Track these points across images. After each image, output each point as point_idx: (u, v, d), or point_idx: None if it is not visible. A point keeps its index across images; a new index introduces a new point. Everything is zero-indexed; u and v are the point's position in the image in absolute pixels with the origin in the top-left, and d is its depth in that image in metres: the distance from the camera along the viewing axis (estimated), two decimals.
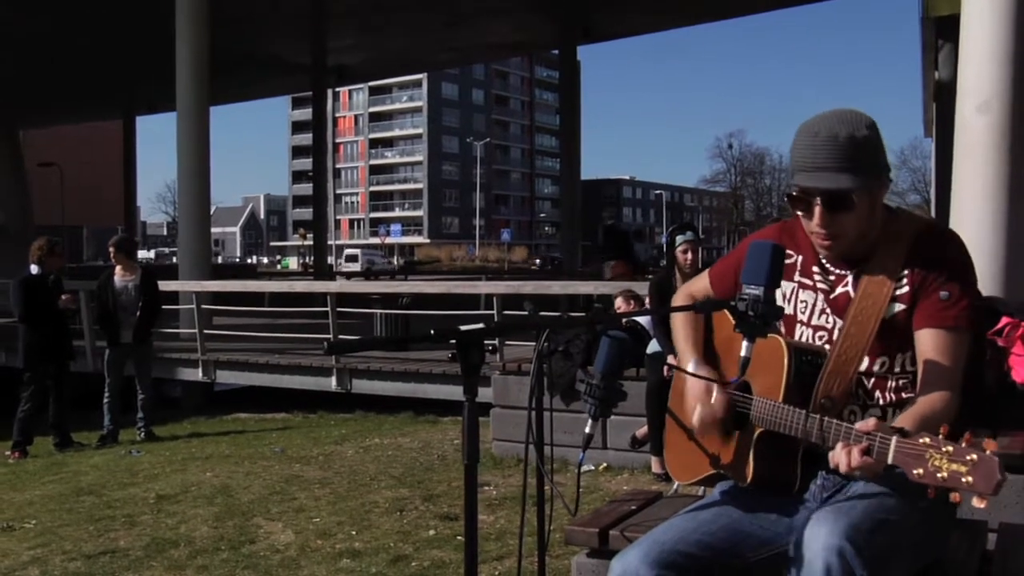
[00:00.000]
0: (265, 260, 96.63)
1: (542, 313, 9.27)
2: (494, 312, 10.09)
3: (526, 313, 9.52)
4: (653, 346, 5.74)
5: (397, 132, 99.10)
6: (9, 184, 34.55)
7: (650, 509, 2.82)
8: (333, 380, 10.66)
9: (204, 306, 12.53)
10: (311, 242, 39.14)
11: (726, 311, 2.00)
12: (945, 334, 1.93)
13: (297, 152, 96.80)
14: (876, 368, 2.02)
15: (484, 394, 5.86)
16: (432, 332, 1.85)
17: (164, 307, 9.79)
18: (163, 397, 11.62)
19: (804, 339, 2.10)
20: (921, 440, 1.64)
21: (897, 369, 2.02)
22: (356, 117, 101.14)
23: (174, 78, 15.41)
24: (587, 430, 2.72)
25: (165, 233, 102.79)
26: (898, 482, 1.77)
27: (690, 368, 2.20)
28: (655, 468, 5.82)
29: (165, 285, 10.58)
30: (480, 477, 5.69)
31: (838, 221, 1.97)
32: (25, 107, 34.86)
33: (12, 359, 10.84)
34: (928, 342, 1.94)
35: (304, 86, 36.01)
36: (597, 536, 2.66)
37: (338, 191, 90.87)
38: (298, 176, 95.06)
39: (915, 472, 1.63)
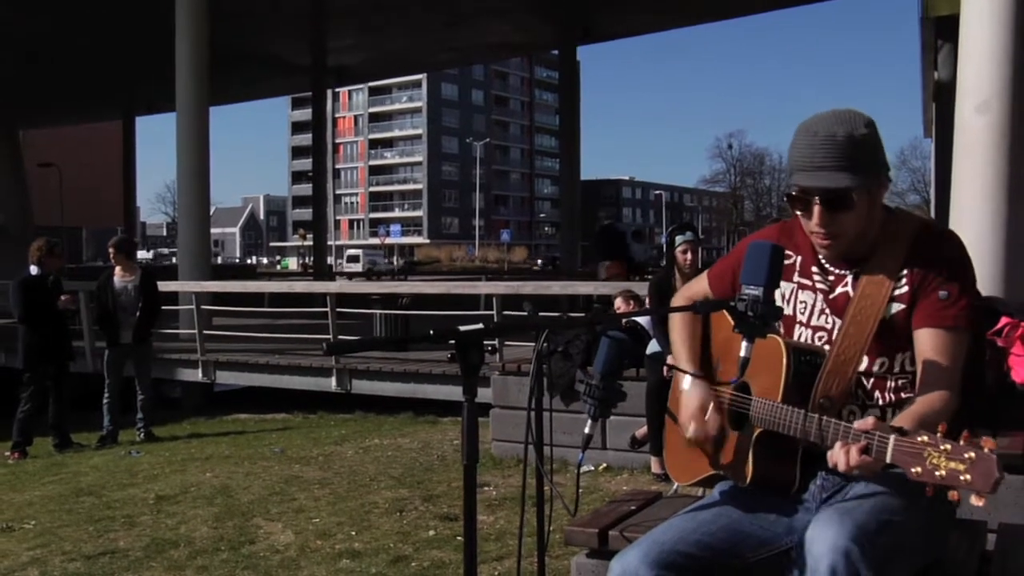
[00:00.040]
0: (265, 261, 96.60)
1: (541, 314, 9.26)
2: (494, 312, 10.10)
3: (525, 314, 9.52)
4: (653, 346, 5.74)
5: (397, 133, 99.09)
6: (9, 184, 34.54)
7: (650, 509, 2.81)
8: (333, 380, 10.67)
9: (204, 307, 12.55)
10: (311, 243, 39.14)
11: (725, 312, 2.00)
12: (944, 334, 1.93)
13: (297, 152, 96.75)
14: (875, 368, 2.02)
15: (484, 394, 5.85)
16: (432, 333, 1.85)
17: (164, 308, 9.80)
18: (163, 397, 11.62)
19: (803, 340, 2.10)
20: (919, 439, 1.64)
21: (896, 369, 2.02)
22: (356, 117, 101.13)
23: (174, 78, 15.39)
24: (586, 430, 2.72)
25: (165, 234, 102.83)
26: (899, 482, 1.77)
27: (686, 386, 2.20)
28: (655, 468, 5.81)
29: (165, 286, 10.58)
30: (480, 477, 5.72)
31: (837, 220, 1.97)
32: (25, 107, 34.84)
33: (12, 360, 10.84)
34: (927, 342, 1.94)
35: (304, 86, 36.07)
36: (597, 536, 2.65)
37: (338, 191, 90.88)
38: (298, 176, 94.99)
39: (913, 470, 1.63)
